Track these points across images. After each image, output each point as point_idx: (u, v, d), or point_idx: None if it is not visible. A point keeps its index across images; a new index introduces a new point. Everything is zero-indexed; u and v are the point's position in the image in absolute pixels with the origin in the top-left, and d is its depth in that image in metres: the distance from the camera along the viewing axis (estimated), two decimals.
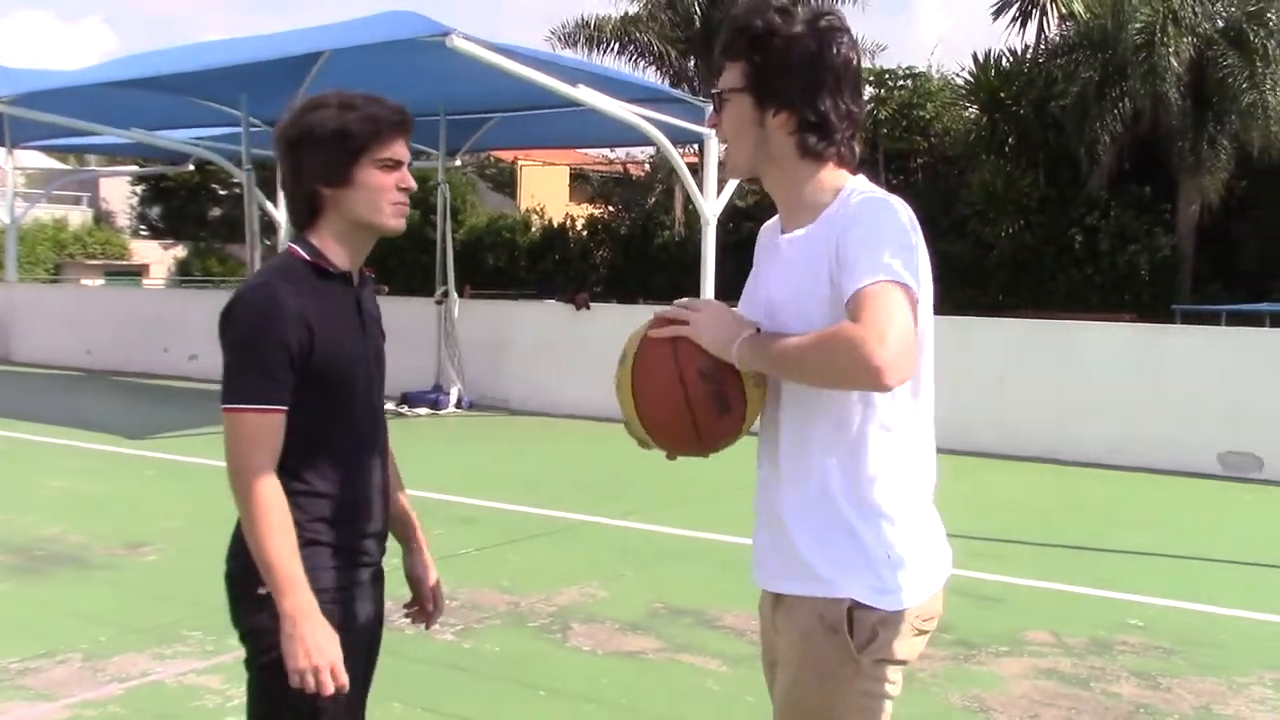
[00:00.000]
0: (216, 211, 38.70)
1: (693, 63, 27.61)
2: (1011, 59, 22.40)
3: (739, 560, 6.66)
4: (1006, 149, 21.19)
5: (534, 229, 27.65)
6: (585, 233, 27.30)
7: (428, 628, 2.60)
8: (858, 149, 2.12)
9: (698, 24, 26.58)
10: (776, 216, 2.24)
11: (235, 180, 27.41)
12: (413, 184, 2.29)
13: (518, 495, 8.01)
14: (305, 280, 2.23)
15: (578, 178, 39.50)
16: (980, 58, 22.10)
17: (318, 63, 12.04)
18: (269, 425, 2.16)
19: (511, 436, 11.81)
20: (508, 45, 11.39)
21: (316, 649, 2.10)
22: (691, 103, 14.13)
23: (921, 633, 2.09)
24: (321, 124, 2.21)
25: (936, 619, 2.12)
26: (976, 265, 19.83)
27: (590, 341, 12.81)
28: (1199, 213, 19.84)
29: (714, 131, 2.21)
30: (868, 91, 23.58)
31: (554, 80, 10.93)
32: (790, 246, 2.13)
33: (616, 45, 27.13)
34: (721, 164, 13.33)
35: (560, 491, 8.40)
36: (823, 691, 2.03)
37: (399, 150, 2.26)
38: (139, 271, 42.84)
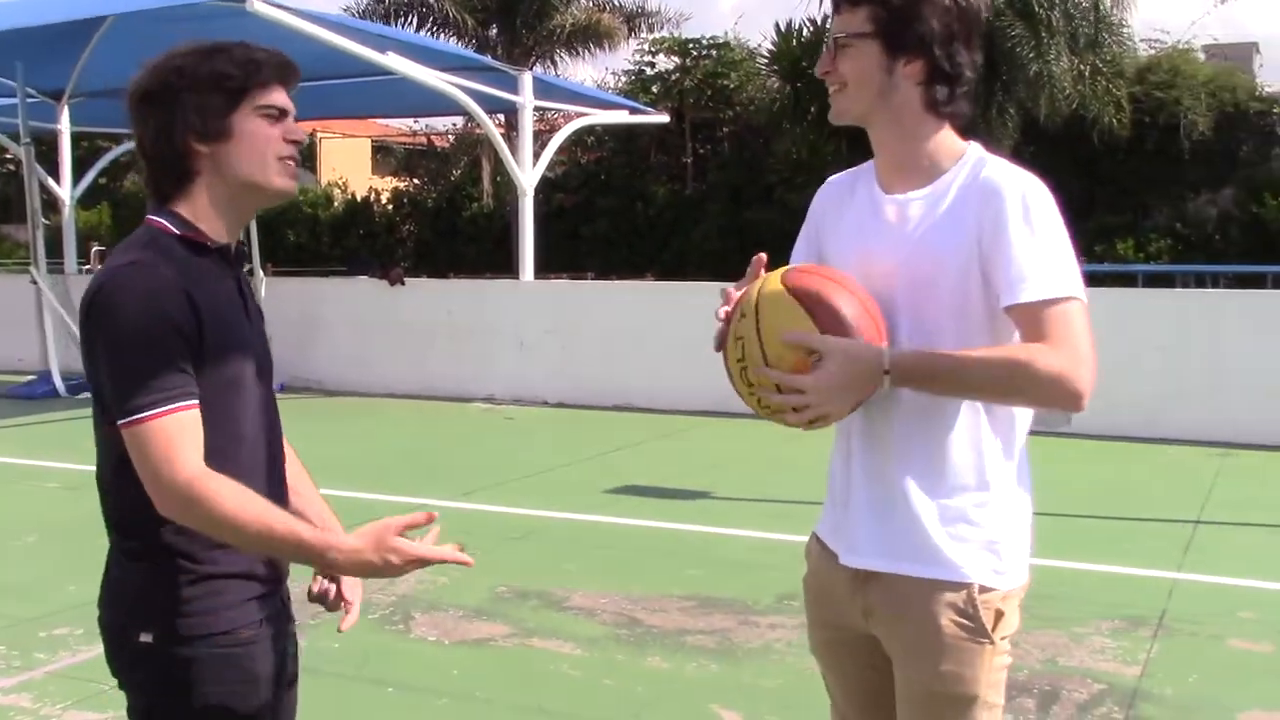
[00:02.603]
0: None
1: (494, 30, 27.21)
2: (812, 29, 22.81)
3: (579, 538, 6.62)
4: (809, 117, 21.57)
5: (336, 203, 26.84)
6: (390, 206, 26.67)
7: (343, 626, 2.14)
8: (969, 104, 2.01)
9: None
10: (847, 172, 2.14)
11: (11, 156, 25.73)
12: (302, 135, 1.99)
13: (342, 480, 7.60)
14: (179, 256, 1.88)
15: (380, 150, 38.54)
16: (783, 27, 22.41)
17: (101, 27, 11.29)
18: (185, 422, 1.78)
19: (328, 418, 11.35)
20: (309, 11, 10.90)
21: (388, 551, 1.77)
22: (502, 70, 13.84)
23: (1021, 600, 2.07)
24: (191, 69, 1.89)
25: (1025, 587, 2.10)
26: (784, 233, 20.12)
27: (406, 317, 12.46)
28: None
29: (826, 78, 2.02)
30: (673, 61, 23.73)
31: (362, 47, 10.52)
32: (901, 210, 2.01)
33: (415, 17, 26.51)
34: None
35: (386, 474, 8.10)
36: (965, 679, 1.98)
37: (282, 98, 1.94)
38: None
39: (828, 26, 2.05)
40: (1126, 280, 16.88)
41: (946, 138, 2.01)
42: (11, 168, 30.71)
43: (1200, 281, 17.37)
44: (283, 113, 1.94)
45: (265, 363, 2.01)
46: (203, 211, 1.93)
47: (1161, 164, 20.68)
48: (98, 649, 4.75)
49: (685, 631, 4.81)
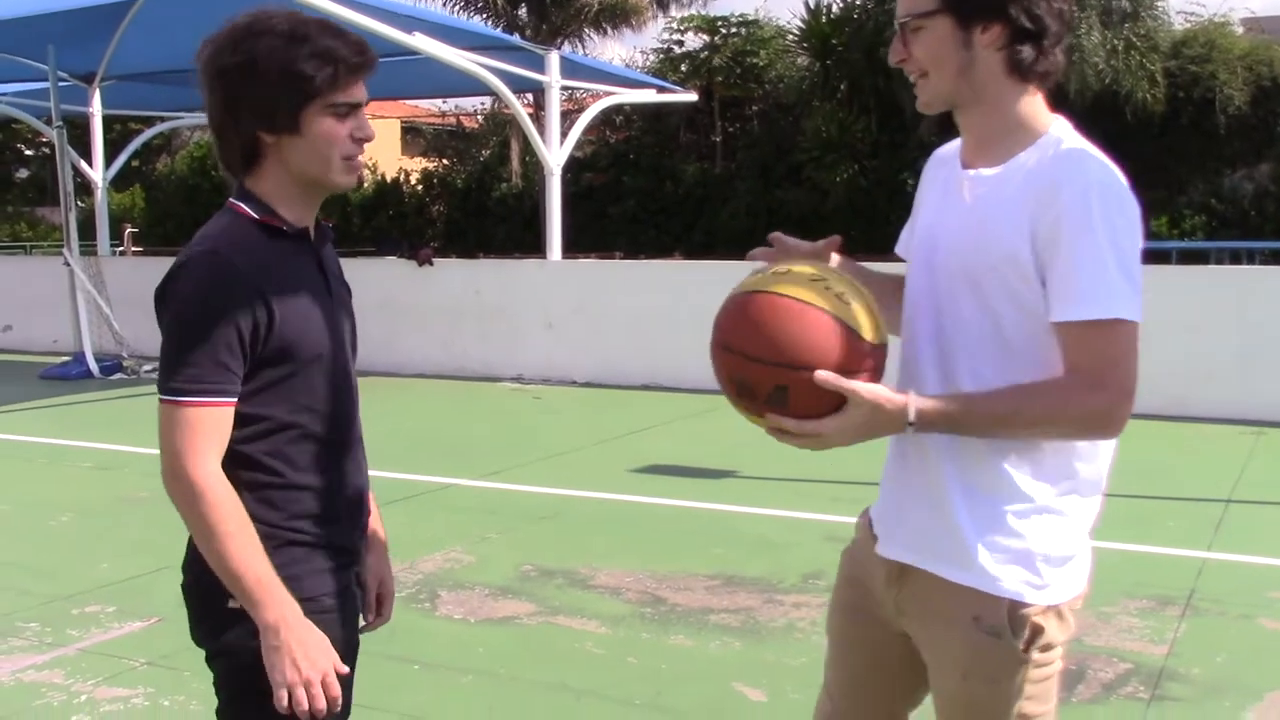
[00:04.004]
0: (24, 173, 36.57)
1: (524, 10, 27.17)
2: (842, 5, 22.62)
3: (605, 516, 6.64)
4: (839, 95, 21.44)
5: (366, 184, 26.91)
6: (420, 187, 26.72)
7: (371, 629, 2.23)
8: (1064, 60, 1.87)
9: None
10: (953, 143, 2.01)
11: (45, 139, 25.94)
12: (371, 132, 1.95)
13: (371, 460, 7.68)
14: (257, 243, 1.90)
15: (409, 131, 38.61)
16: (812, 4, 22.25)
17: (132, 9, 11.34)
18: (216, 419, 1.84)
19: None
20: None
21: (307, 659, 1.81)
22: (529, 50, 13.82)
23: (1074, 610, 1.97)
24: (267, 57, 1.84)
25: (1085, 594, 2.00)
26: (814, 211, 20.05)
27: (435, 297, 12.51)
28: None
29: (903, 67, 1.88)
30: (701, 39, 23.61)
31: (389, 28, 10.52)
32: (973, 187, 1.90)
33: None
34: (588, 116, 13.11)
35: (414, 454, 8.15)
36: (997, 693, 1.90)
37: (357, 93, 1.91)
38: None
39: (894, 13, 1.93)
40: (1160, 257, 16.72)
41: (1031, 108, 1.87)
42: (45, 151, 30.97)
43: (1235, 258, 17.18)
44: (354, 107, 1.92)
45: (349, 338, 2.06)
46: (275, 194, 1.94)
47: (1197, 139, 20.43)
48: (129, 627, 4.84)
49: (709, 610, 4.82)
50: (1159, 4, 20.47)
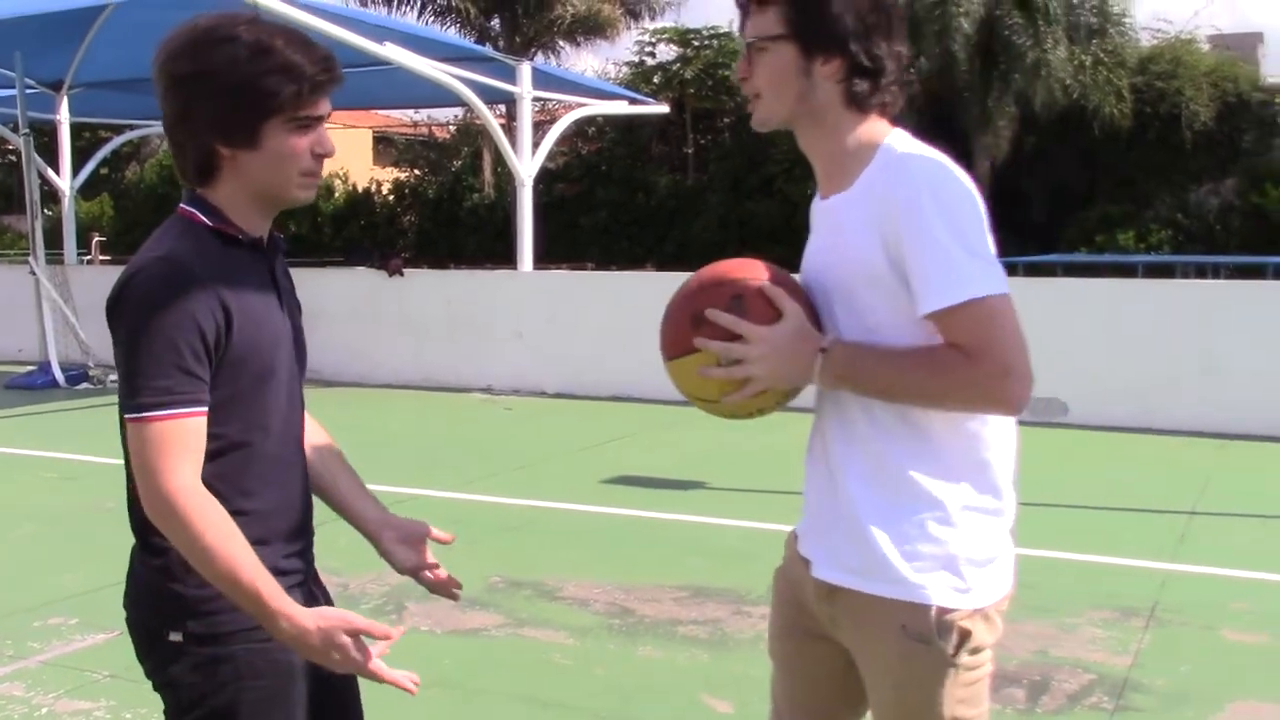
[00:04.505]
0: None
1: (496, 21, 27.20)
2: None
3: (574, 528, 6.63)
4: None
5: (337, 194, 26.84)
6: (392, 197, 26.67)
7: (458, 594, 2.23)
8: (900, 96, 1.94)
9: None
10: None
11: (11, 147, 25.71)
12: (331, 147, 1.87)
13: None
14: (211, 250, 1.82)
15: (381, 141, 38.52)
16: None
17: (100, 17, 11.28)
18: (189, 430, 1.75)
19: (327, 408, 11.26)
20: (308, 1, 10.89)
21: (328, 625, 1.74)
22: (501, 60, 13.82)
23: (1001, 612, 1.98)
24: (228, 68, 1.77)
25: (1011, 595, 2.01)
26: (785, 223, 20.16)
27: (405, 308, 12.47)
28: (990, 168, 20.66)
29: (743, 84, 1.95)
30: (674, 51, 23.70)
31: (361, 38, 10.51)
32: (828, 215, 1.98)
33: (418, 4, 26.52)
34: (555, 129, 13.13)
35: (383, 464, 8.11)
36: (929, 699, 1.92)
37: (320, 108, 1.84)
38: None
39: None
40: (1127, 271, 16.87)
41: (869, 128, 1.93)
42: (12, 159, 30.70)
43: (1201, 272, 17.35)
44: (316, 120, 1.85)
45: (297, 353, 1.99)
46: (229, 203, 1.87)
47: (1163, 154, 20.68)
48: (92, 639, 4.79)
49: (678, 621, 4.82)
50: (1126, 20, 20.71)
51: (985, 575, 1.93)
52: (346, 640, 1.75)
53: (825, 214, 2.00)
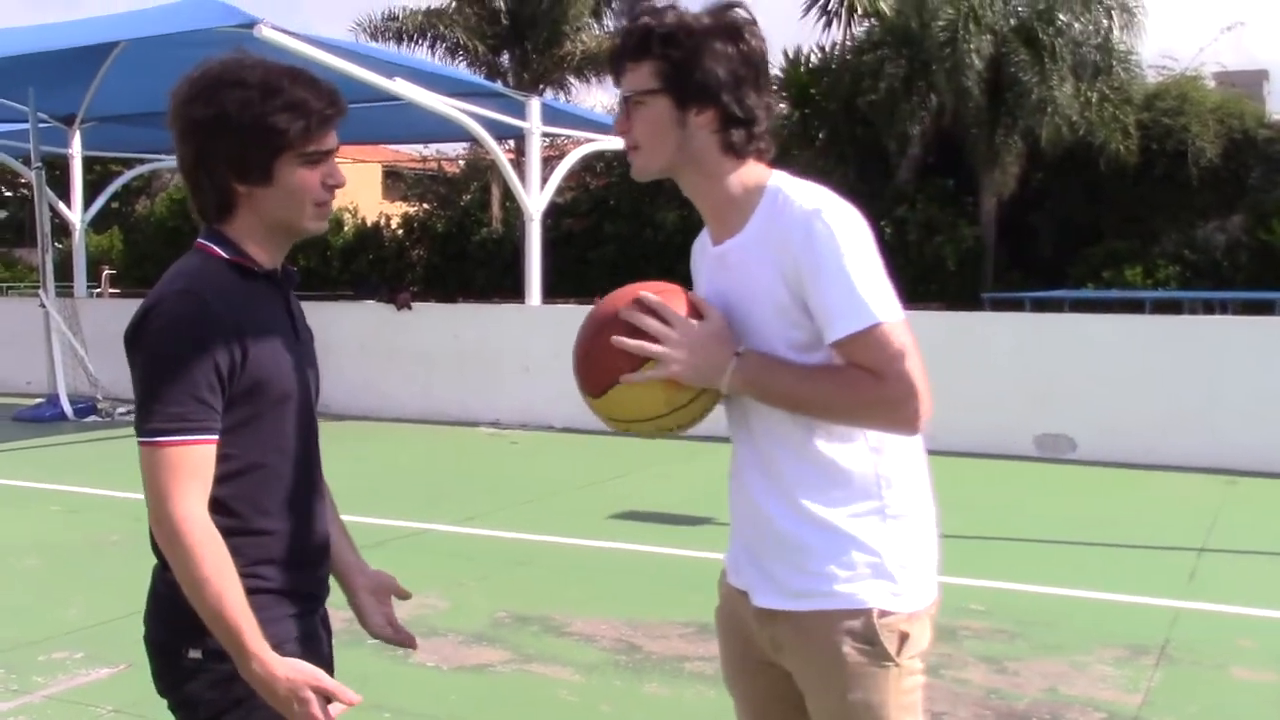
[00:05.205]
0: (2, 214, 36.49)
1: (506, 57, 27.38)
2: (820, 56, 22.90)
3: (581, 563, 6.61)
4: (817, 143, 21.67)
5: (347, 228, 26.95)
6: (400, 231, 26.77)
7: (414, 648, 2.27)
8: (773, 144, 2.04)
9: (503, 19, 26.37)
10: (701, 233, 2.15)
11: (24, 180, 25.89)
12: (342, 178, 1.98)
13: (345, 504, 7.54)
14: (229, 283, 1.92)
15: (390, 175, 38.72)
16: (791, 54, 22.53)
17: (113, 53, 11.39)
18: (200, 458, 1.83)
19: (333, 441, 11.27)
20: (318, 37, 11.00)
21: (297, 678, 1.82)
22: (510, 96, 13.91)
23: (933, 618, 2.07)
24: (240, 110, 1.86)
25: (938, 602, 2.09)
26: None
27: (413, 341, 12.49)
28: (998, 204, 20.71)
29: (623, 137, 2.04)
30: None
31: (371, 73, 10.59)
32: (722, 259, 2.06)
33: (427, 39, 26.72)
34: (554, 160, 13.19)
35: (390, 498, 8.11)
36: (873, 705, 1.99)
37: (329, 141, 1.94)
38: None
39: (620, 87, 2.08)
40: (1134, 306, 16.86)
41: (750, 172, 2.02)
42: (24, 192, 30.92)
43: (1208, 308, 17.33)
44: (326, 154, 1.94)
45: (311, 382, 2.07)
46: (246, 237, 1.96)
47: (1169, 190, 20.69)
48: (97, 673, 4.79)
49: (685, 658, 4.80)
50: (1132, 57, 20.79)
51: (915, 579, 2.02)
52: (310, 696, 1.83)
53: (719, 258, 2.07)
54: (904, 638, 1.99)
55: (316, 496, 2.06)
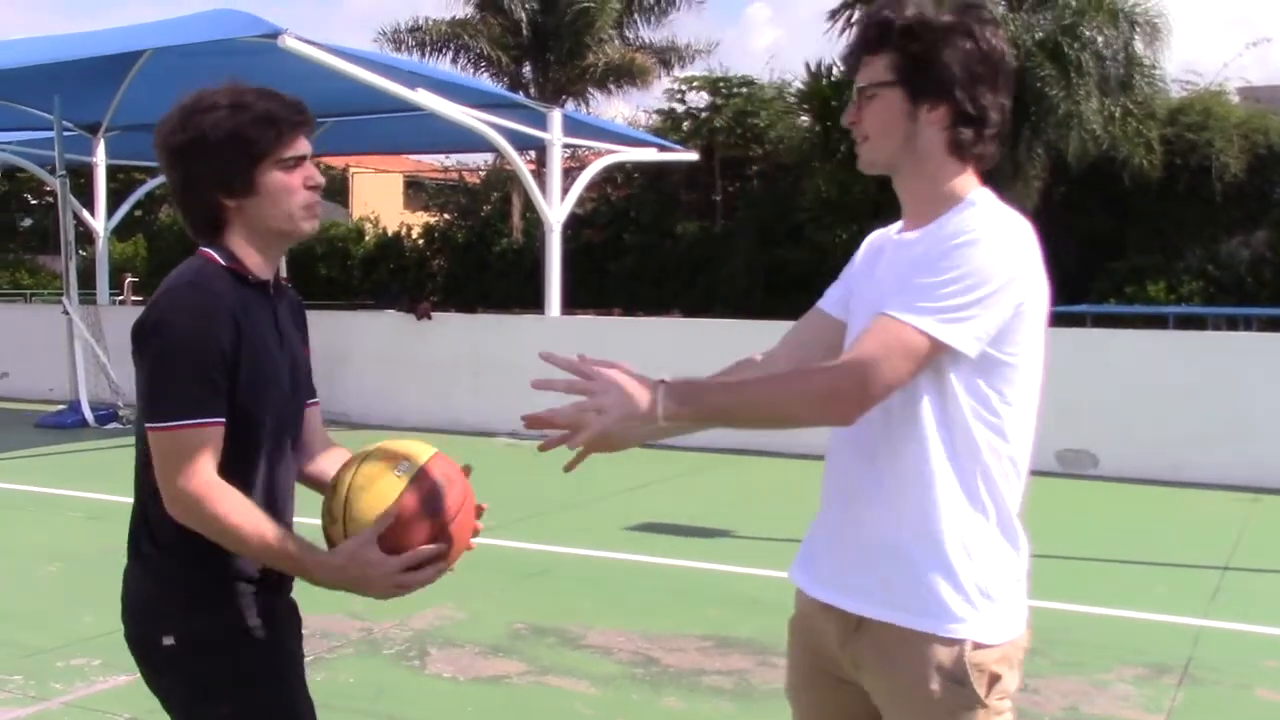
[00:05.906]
0: (27, 221, 36.75)
1: (527, 68, 27.46)
2: (843, 68, 22.87)
3: (598, 575, 6.59)
4: (839, 156, 21.59)
5: (368, 238, 27.04)
6: (421, 241, 26.84)
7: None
8: (997, 150, 2.00)
9: (525, 31, 26.45)
10: (890, 226, 2.14)
11: (49, 188, 26.07)
12: (320, 179, 2.12)
13: None
14: (226, 285, 2.05)
15: (412, 185, 38.85)
16: (813, 67, 22.50)
17: (138, 62, 11.46)
18: (209, 437, 1.96)
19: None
20: (341, 47, 11.04)
21: (368, 574, 1.98)
22: (532, 107, 13.94)
23: (1020, 661, 2.02)
24: (214, 128, 2.01)
25: (1027, 640, 2.04)
26: (815, 270, 20.13)
27: (433, 352, 12.51)
28: None
29: (853, 128, 2.04)
30: (703, 98, 23.84)
31: (392, 84, 10.62)
32: (895, 250, 2.05)
33: (450, 50, 26.82)
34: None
35: None
36: None
37: (301, 146, 2.08)
38: None
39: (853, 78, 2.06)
40: (1158, 322, 16.75)
41: (963, 182, 2.00)
42: (49, 200, 31.12)
43: (1232, 324, 17.20)
44: (301, 159, 2.07)
45: (290, 389, 2.16)
46: (240, 249, 2.09)
47: (1193, 206, 20.57)
48: (114, 680, 4.79)
49: (702, 671, 4.77)
50: (1156, 72, 20.68)
51: (1009, 608, 1.97)
52: (373, 556, 1.97)
53: (897, 248, 2.05)
54: (994, 680, 1.93)
55: (289, 487, 2.19)
